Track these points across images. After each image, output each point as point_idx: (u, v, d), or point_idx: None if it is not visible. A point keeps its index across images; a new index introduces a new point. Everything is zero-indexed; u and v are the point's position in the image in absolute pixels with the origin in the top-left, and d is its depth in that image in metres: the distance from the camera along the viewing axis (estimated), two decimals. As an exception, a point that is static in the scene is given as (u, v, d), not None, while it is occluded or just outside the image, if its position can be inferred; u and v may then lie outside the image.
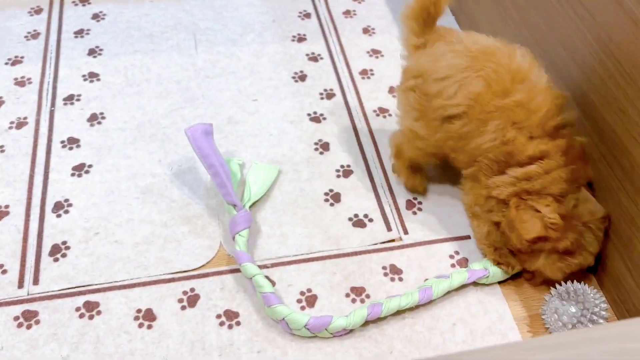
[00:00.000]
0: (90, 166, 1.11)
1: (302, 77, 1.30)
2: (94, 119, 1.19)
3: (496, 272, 0.97)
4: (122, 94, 1.24)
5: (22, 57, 1.30)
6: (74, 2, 1.44)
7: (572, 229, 0.88)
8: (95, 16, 1.40)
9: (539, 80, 0.90)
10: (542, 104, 0.88)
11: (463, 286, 0.97)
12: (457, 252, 1.02)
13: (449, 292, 0.96)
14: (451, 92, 0.91)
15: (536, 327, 0.94)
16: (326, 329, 0.89)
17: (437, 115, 0.93)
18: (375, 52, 1.36)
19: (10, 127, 1.17)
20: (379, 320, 0.93)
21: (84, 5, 1.43)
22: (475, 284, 0.98)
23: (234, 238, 0.98)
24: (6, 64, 1.29)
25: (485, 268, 0.97)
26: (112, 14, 1.41)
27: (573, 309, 0.91)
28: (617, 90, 0.90)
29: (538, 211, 0.87)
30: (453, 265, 1.01)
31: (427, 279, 0.98)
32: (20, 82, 1.25)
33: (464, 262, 1.01)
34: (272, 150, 1.15)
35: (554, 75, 1.04)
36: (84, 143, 1.15)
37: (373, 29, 1.42)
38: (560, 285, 0.94)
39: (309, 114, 1.23)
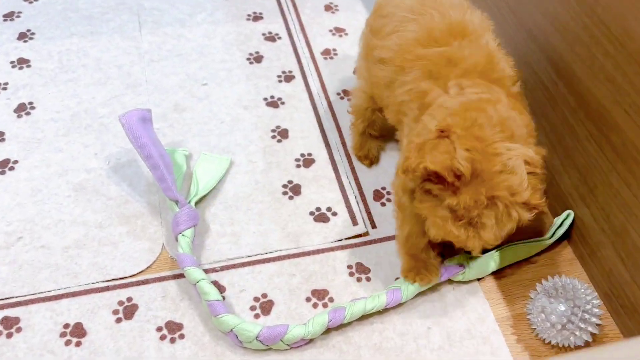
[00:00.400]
0: (15, 162, 0.98)
1: (258, 59, 1.18)
2: (22, 109, 1.05)
3: (473, 268, 0.86)
4: (55, 82, 1.10)
5: (-58, 43, 1.16)
6: (5, -18, 1.30)
7: (474, 190, 0.67)
8: (28, -3, 1.27)
9: (482, 40, 0.78)
10: (469, 57, 0.76)
11: (438, 284, 0.86)
12: (431, 247, 0.92)
13: (422, 292, 0.85)
14: (386, 32, 0.84)
15: (521, 329, 0.83)
16: (282, 340, 0.77)
17: (374, 56, 0.86)
18: (338, 31, 1.25)
19: None
20: (343, 326, 0.82)
21: (15, -15, 1.29)
22: (451, 281, 0.87)
23: (176, 239, 0.86)
24: None
25: (460, 264, 0.86)
26: (47, -6, 1.27)
27: (562, 307, 0.80)
28: (605, 58, 0.79)
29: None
30: (427, 262, 0.90)
31: (397, 279, 0.86)
32: (-60, 71, 1.11)
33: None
34: (223, 139, 1.03)
35: (533, 46, 0.94)
36: (10, 136, 1.01)
37: (336, 5, 1.30)
38: (547, 280, 0.84)
39: (265, 99, 1.11)
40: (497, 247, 0.88)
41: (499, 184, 0.67)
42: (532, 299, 0.84)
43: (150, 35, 1.20)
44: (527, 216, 0.69)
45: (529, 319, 0.83)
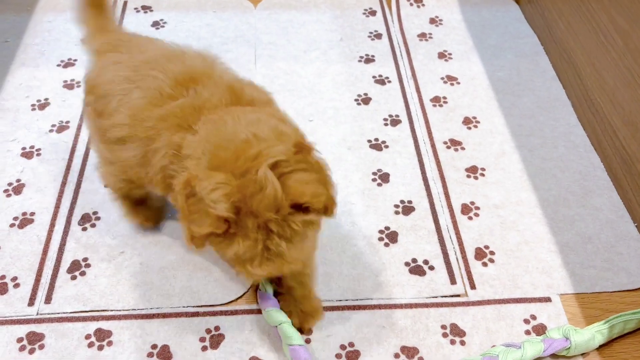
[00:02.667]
0: (126, 178, 1.02)
1: (366, 100, 1.17)
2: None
3: (580, 343, 0.79)
4: (171, 105, 1.15)
5: (75, 60, 1.24)
6: (135, 8, 1.38)
7: (247, 229, 0.62)
8: (156, 24, 1.34)
9: (215, 77, 0.75)
10: (212, 97, 0.72)
11: (540, 359, 0.80)
12: (533, 317, 0.85)
13: (521, 366, 0.79)
14: (111, 109, 0.76)
15: None
16: (367, 396, 0.74)
17: (109, 138, 0.78)
18: (450, 79, 1.22)
19: (51, 130, 1.10)
20: (432, 390, 0.77)
21: (145, 12, 1.37)
22: (555, 356, 0.80)
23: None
24: (58, 65, 1.23)
25: (565, 337, 0.80)
26: (173, 22, 1.34)
27: (683, 408, 0.71)
28: None
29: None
30: (527, 332, 0.83)
31: (494, 346, 0.81)
32: (69, 85, 1.19)
33: (541, 330, 0.84)
34: (324, 178, 1.02)
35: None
36: (124, 153, 1.06)
37: (450, 54, 1.28)
38: (666, 373, 0.75)
39: (369, 140, 1.10)
40: (605, 321, 0.81)
41: (261, 207, 0.61)
42: (647, 392, 0.75)
43: (265, 68, 1.23)
44: (312, 216, 0.63)
45: (642, 415, 0.74)
